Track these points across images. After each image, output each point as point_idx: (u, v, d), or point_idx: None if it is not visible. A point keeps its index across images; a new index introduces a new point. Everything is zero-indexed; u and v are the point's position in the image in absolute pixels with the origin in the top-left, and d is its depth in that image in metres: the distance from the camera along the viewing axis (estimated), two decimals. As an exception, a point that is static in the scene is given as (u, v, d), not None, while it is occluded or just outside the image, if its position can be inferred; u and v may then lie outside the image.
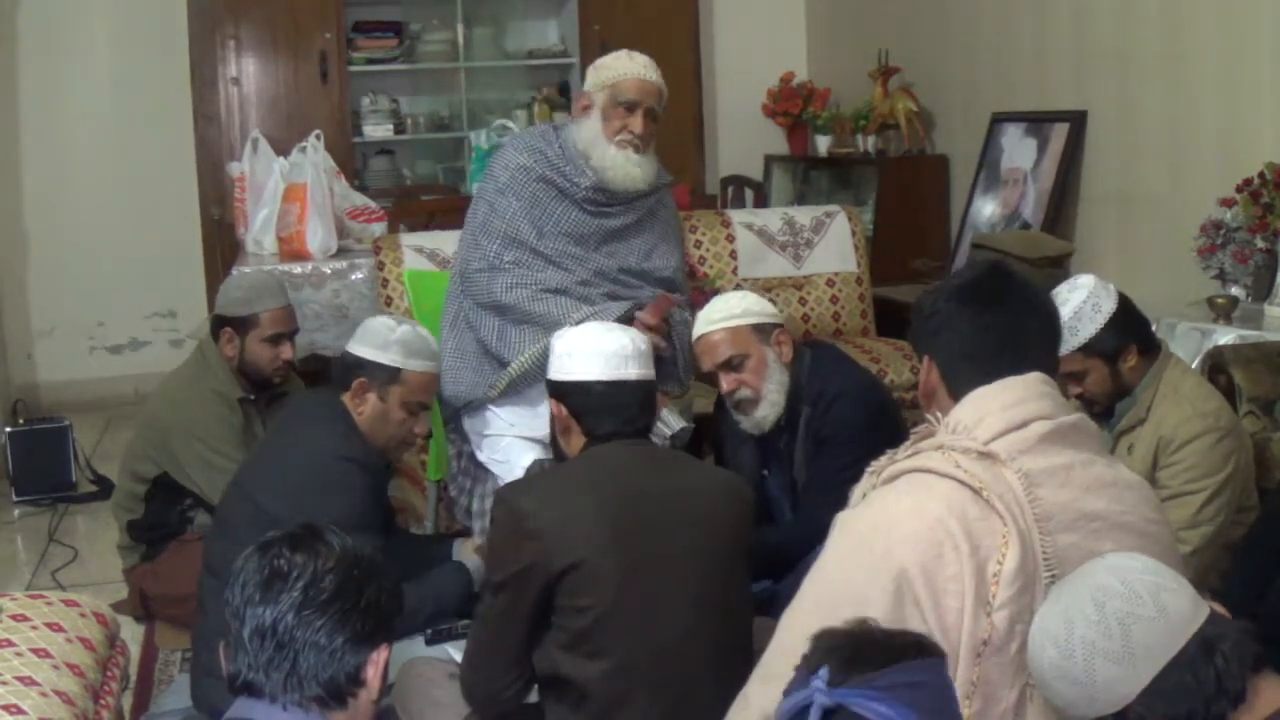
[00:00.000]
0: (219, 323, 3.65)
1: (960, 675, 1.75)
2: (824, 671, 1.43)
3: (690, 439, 3.53)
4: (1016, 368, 1.93)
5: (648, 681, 2.27)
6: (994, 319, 1.95)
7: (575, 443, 2.47)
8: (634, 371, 2.45)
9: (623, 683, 2.26)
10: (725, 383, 3.08)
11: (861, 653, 1.45)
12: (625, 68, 3.35)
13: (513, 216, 3.34)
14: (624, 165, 3.31)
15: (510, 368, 3.28)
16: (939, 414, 1.96)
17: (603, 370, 2.43)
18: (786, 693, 1.48)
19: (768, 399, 3.07)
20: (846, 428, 3.00)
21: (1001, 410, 1.88)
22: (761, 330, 3.09)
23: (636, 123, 3.31)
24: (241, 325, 3.59)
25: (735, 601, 2.39)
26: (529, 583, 2.26)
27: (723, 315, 3.08)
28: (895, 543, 1.79)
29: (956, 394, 1.95)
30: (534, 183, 3.35)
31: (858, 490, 1.98)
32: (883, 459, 1.98)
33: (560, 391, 2.48)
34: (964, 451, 1.85)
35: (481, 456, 3.41)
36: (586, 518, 2.27)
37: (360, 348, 2.93)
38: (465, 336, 3.40)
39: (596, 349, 2.45)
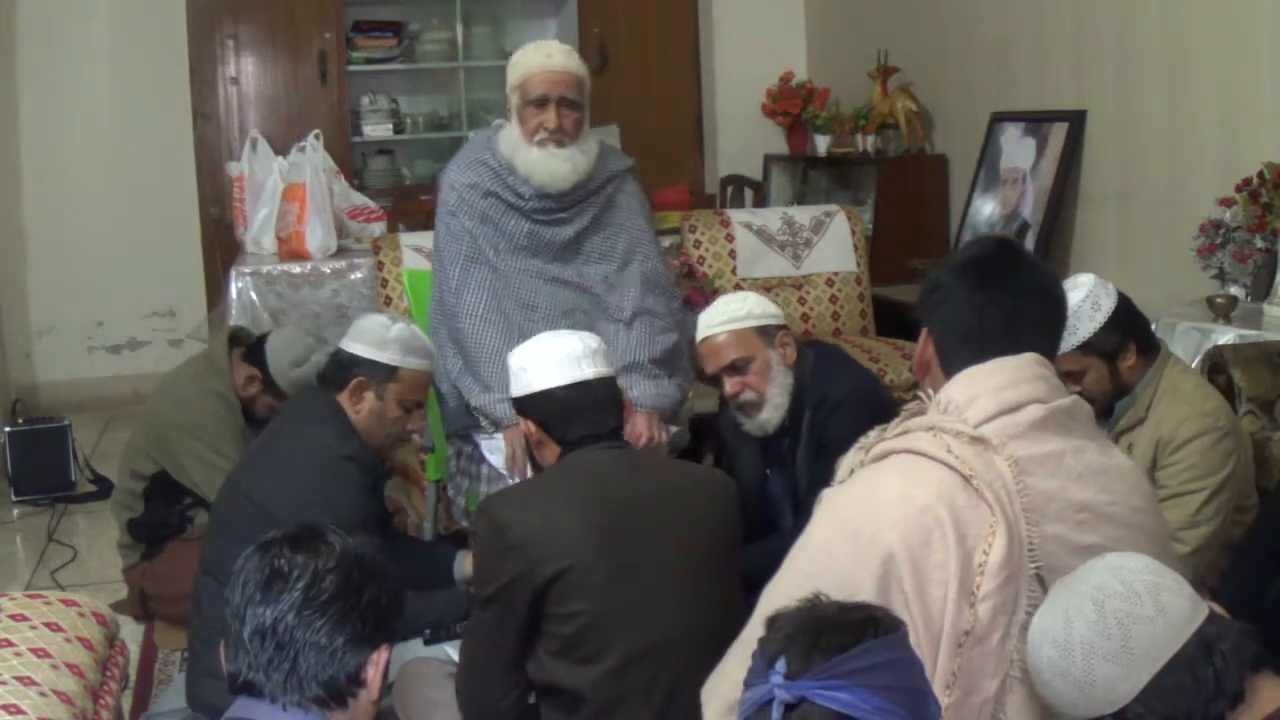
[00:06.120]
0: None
1: (941, 665, 1.74)
2: (781, 664, 1.41)
3: (689, 442, 3.52)
4: (1011, 349, 1.89)
5: (641, 683, 2.27)
6: (994, 297, 1.91)
7: (550, 454, 2.47)
8: (590, 370, 2.45)
9: (616, 685, 2.26)
10: (729, 386, 3.06)
11: (819, 639, 1.42)
12: (529, 62, 3.19)
13: (470, 240, 3.28)
14: (547, 163, 3.18)
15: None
16: (930, 390, 1.94)
17: (560, 375, 2.44)
18: (747, 682, 1.46)
19: (771, 401, 3.05)
20: (847, 435, 2.98)
21: (994, 391, 1.86)
22: (765, 332, 3.07)
23: (550, 118, 3.15)
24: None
25: (726, 598, 2.37)
26: (516, 594, 2.26)
27: (726, 318, 3.06)
28: (883, 527, 1.77)
29: (949, 370, 1.93)
30: (481, 199, 3.27)
31: (845, 464, 1.95)
32: (872, 434, 1.95)
33: (525, 407, 2.49)
34: (955, 435, 1.82)
35: (484, 445, 3.37)
36: (568, 525, 2.27)
37: (356, 346, 2.92)
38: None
39: (549, 356, 2.46)
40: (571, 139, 3.19)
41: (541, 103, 3.16)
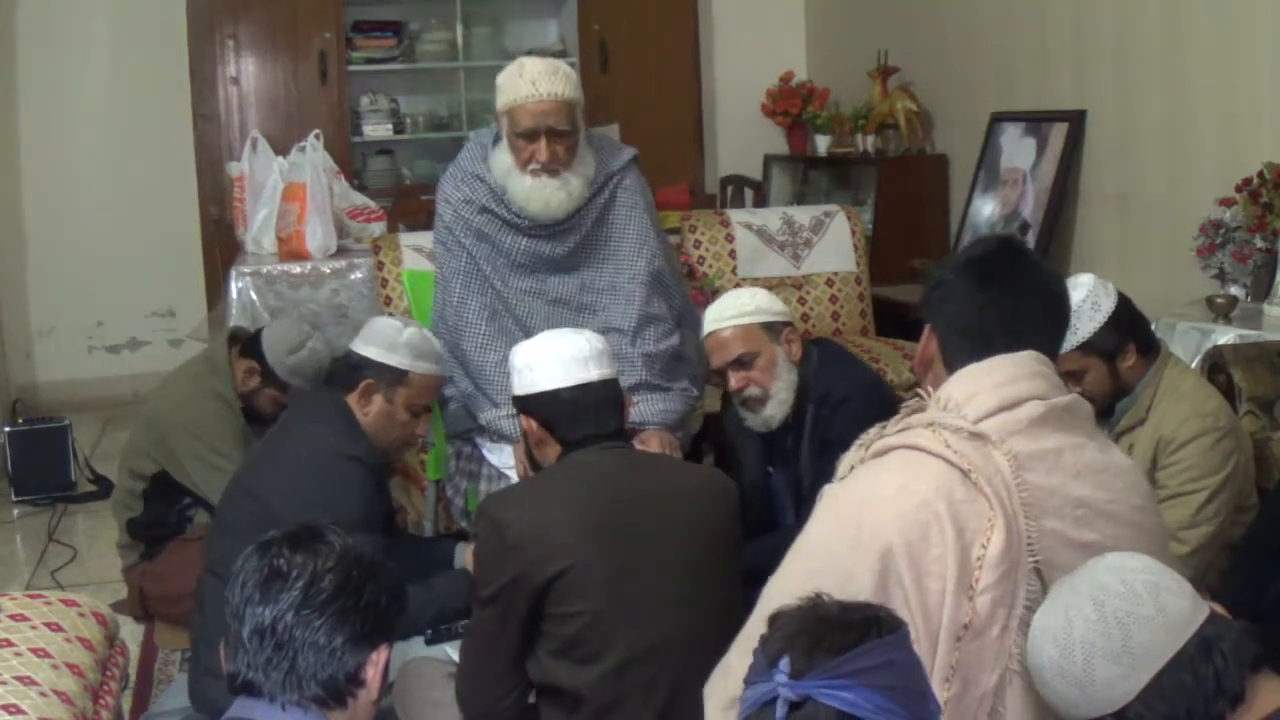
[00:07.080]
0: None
1: (939, 658, 1.75)
2: (784, 663, 1.41)
3: (690, 442, 3.52)
4: (1012, 347, 1.91)
5: (641, 683, 2.27)
6: (995, 296, 1.93)
7: (551, 454, 2.47)
8: (596, 372, 2.45)
9: (616, 686, 2.26)
10: (734, 380, 3.07)
11: (822, 639, 1.42)
12: (515, 90, 3.05)
13: (469, 258, 3.24)
14: (540, 194, 3.09)
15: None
16: (931, 388, 1.95)
17: (565, 376, 2.43)
18: (748, 681, 1.47)
19: (776, 397, 3.06)
20: (850, 432, 2.98)
21: (994, 388, 1.87)
22: (771, 328, 3.08)
23: (541, 151, 3.05)
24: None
25: (726, 598, 2.37)
26: (516, 595, 2.26)
27: (734, 313, 3.07)
28: (882, 521, 1.78)
29: (951, 367, 1.94)
30: (477, 215, 3.22)
31: (845, 461, 1.96)
32: (872, 431, 1.96)
33: (527, 406, 2.49)
34: (954, 430, 1.83)
35: (484, 445, 3.37)
36: (569, 525, 2.27)
37: (367, 348, 2.94)
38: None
39: (555, 356, 2.45)
40: (566, 165, 3.10)
41: (530, 135, 3.06)
